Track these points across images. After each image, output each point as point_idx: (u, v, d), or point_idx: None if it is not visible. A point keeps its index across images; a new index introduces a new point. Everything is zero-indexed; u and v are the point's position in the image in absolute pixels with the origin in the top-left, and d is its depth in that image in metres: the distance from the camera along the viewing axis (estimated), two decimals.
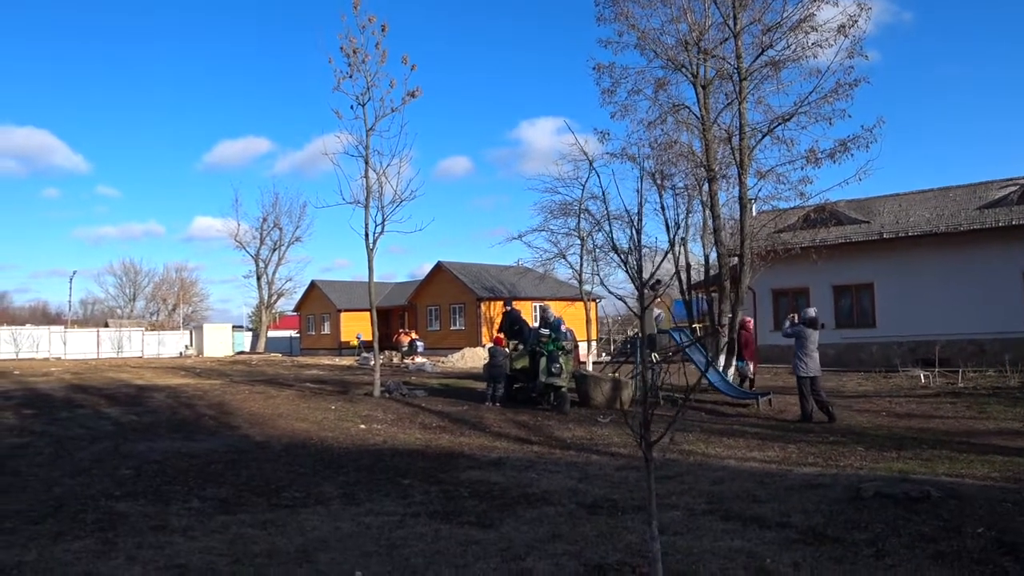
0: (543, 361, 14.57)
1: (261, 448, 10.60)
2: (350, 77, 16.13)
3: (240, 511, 6.90)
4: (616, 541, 5.51)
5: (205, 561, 5.29)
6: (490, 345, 16.52)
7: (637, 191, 4.29)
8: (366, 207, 16.27)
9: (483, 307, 39.74)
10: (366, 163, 16.36)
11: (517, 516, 6.48)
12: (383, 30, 15.99)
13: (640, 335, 16.82)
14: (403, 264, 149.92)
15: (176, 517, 6.65)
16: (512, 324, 17.41)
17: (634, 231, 4.21)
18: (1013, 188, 23.46)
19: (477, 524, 6.24)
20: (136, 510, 6.93)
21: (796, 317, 13.55)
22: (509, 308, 18.39)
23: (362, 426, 12.61)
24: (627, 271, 4.19)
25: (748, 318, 18.10)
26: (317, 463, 9.47)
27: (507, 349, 16.20)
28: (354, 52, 16.00)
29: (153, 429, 12.27)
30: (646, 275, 4.05)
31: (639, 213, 4.22)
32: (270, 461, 9.54)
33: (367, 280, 17.93)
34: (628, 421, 4.11)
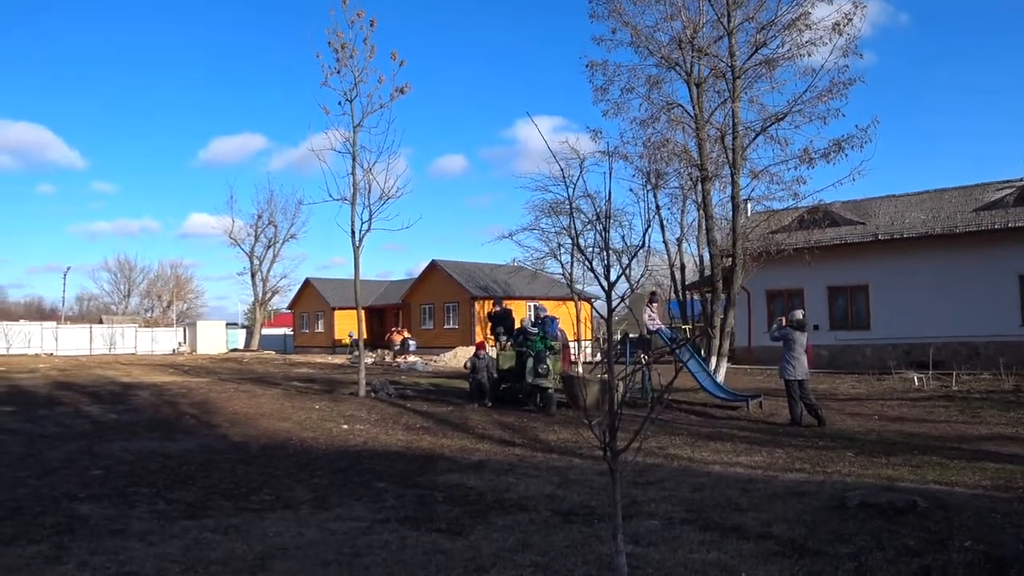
0: (530, 361, 14.36)
1: (238, 449, 10.39)
2: (338, 73, 15.96)
3: (205, 515, 6.69)
4: (587, 552, 5.29)
5: (157, 568, 5.07)
6: (472, 357, 15.63)
7: (607, 188, 4.07)
8: (352, 204, 16.06)
9: (477, 306, 39.50)
10: (353, 159, 16.16)
11: (489, 523, 6.27)
12: (372, 25, 15.81)
13: (624, 336, 16.64)
14: (400, 262, 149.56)
15: (138, 521, 6.44)
16: (502, 320, 17.26)
17: (602, 228, 3.99)
18: (1009, 190, 23.28)
19: (447, 532, 6.02)
20: (98, 513, 6.72)
21: (784, 320, 13.34)
22: (499, 307, 18.22)
23: (344, 426, 12.40)
24: (592, 271, 3.97)
25: None
26: (293, 465, 9.26)
27: (491, 353, 16.02)
28: (342, 47, 15.82)
29: (131, 428, 12.07)
30: (614, 276, 3.83)
31: (607, 211, 4.01)
32: (244, 463, 9.32)
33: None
34: (592, 428, 3.89)
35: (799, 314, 13.33)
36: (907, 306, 23.59)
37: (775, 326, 13.66)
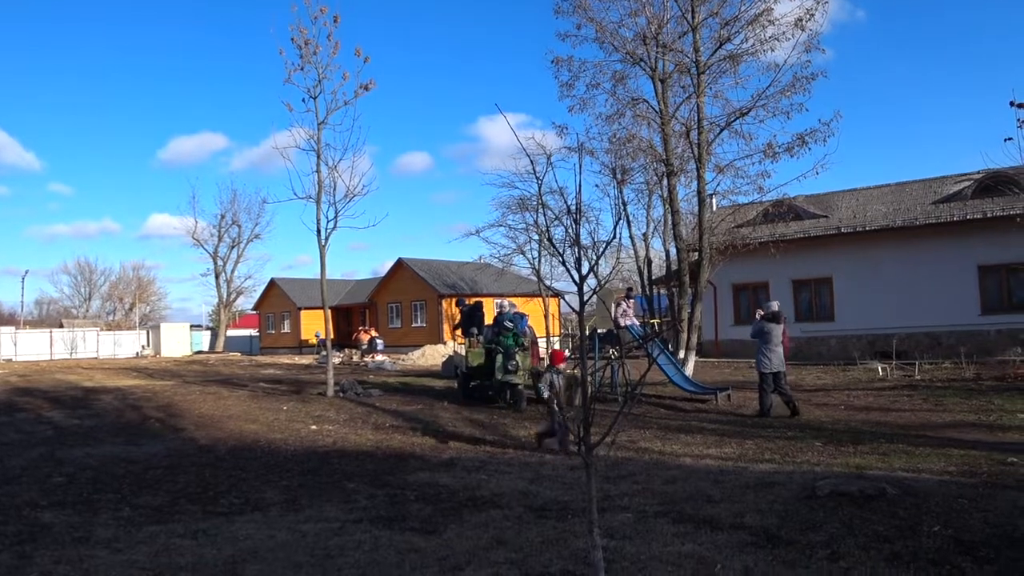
0: (499, 358, 14.33)
1: (205, 452, 10.23)
2: (301, 69, 15.77)
3: (172, 520, 6.57)
4: (562, 548, 5.27)
5: None
6: (549, 373, 11.22)
7: (576, 182, 4.04)
8: (318, 202, 15.90)
9: (444, 304, 39.36)
10: (318, 157, 16.00)
11: (463, 521, 6.22)
12: (335, 21, 15.66)
13: (593, 331, 16.66)
14: (365, 261, 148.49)
15: (103, 528, 6.30)
16: (472, 315, 17.23)
17: (572, 222, 3.96)
18: (967, 183, 23.68)
19: (420, 531, 5.97)
20: (61, 520, 6.57)
21: (760, 313, 13.39)
22: (467, 305, 18.16)
23: (313, 427, 12.26)
24: (564, 264, 3.99)
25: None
26: (261, 467, 9.14)
27: (460, 351, 15.71)
28: (305, 43, 15.64)
29: (94, 433, 11.83)
30: (585, 270, 3.80)
31: (578, 204, 3.98)
32: (212, 466, 9.18)
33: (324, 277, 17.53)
34: (566, 422, 3.87)
35: (774, 305, 13.41)
36: (870, 298, 23.92)
37: (754, 323, 13.64)
